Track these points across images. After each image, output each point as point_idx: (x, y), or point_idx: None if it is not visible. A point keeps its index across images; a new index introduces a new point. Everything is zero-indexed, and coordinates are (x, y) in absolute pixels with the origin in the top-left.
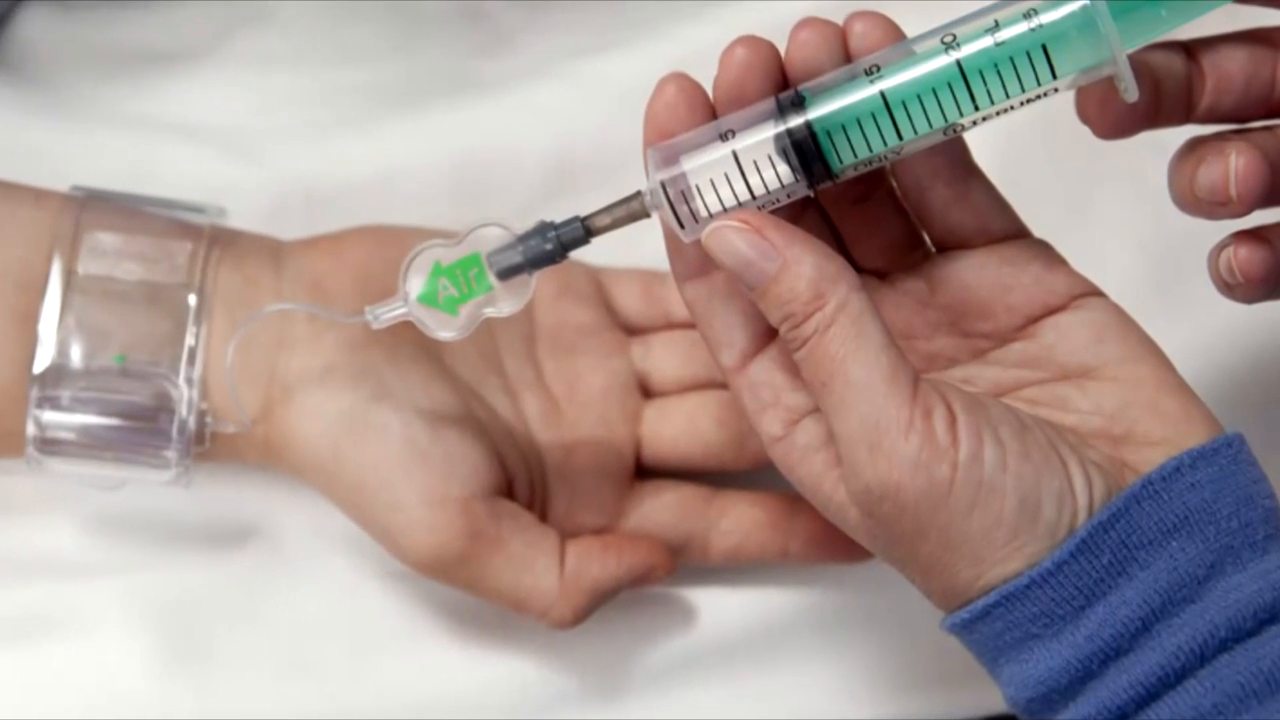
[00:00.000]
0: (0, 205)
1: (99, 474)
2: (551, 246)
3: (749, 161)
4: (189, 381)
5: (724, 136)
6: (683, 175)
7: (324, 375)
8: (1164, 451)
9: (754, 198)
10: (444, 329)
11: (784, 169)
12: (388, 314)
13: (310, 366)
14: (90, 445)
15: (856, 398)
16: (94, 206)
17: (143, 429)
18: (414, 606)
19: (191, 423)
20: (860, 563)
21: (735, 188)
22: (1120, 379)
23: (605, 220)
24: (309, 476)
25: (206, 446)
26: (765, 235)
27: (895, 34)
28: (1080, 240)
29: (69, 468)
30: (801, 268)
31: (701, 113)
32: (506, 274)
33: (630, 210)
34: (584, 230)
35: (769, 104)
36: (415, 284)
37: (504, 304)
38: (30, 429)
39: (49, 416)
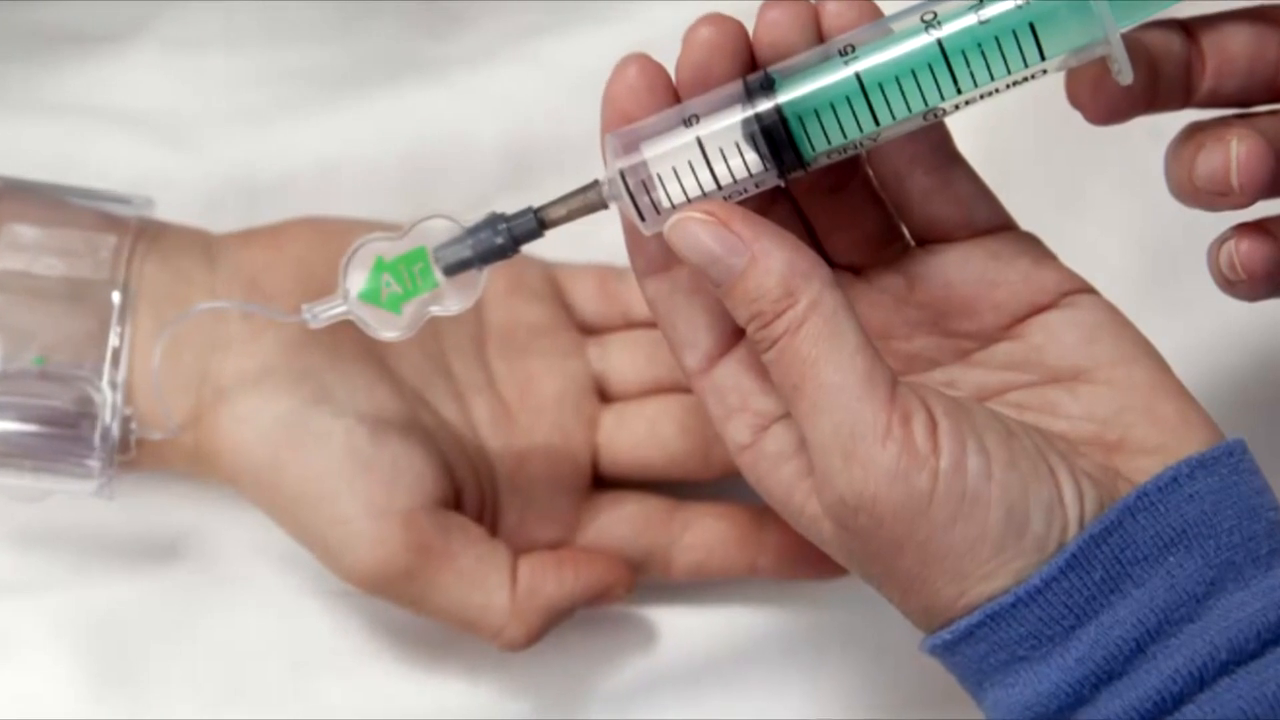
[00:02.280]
0: None
1: (18, 485)
2: (503, 240)
3: (714, 149)
4: (113, 385)
5: (688, 122)
6: (643, 163)
7: (260, 378)
8: (1160, 460)
9: (720, 188)
10: (387, 329)
11: (752, 157)
12: (327, 313)
13: (245, 369)
14: (7, 453)
15: (830, 402)
16: (11, 197)
17: (64, 436)
18: (357, 626)
19: (116, 429)
20: (834, 579)
21: (700, 177)
22: (1113, 382)
23: (560, 211)
24: (243, 487)
25: (132, 455)
26: (732, 228)
27: (872, 12)
28: (1071, 233)
29: None
30: (771, 262)
31: (664, 96)
32: (454, 269)
33: (587, 201)
34: (538, 222)
35: (736, 87)
36: (356, 280)
37: (451, 302)
38: None
39: None
